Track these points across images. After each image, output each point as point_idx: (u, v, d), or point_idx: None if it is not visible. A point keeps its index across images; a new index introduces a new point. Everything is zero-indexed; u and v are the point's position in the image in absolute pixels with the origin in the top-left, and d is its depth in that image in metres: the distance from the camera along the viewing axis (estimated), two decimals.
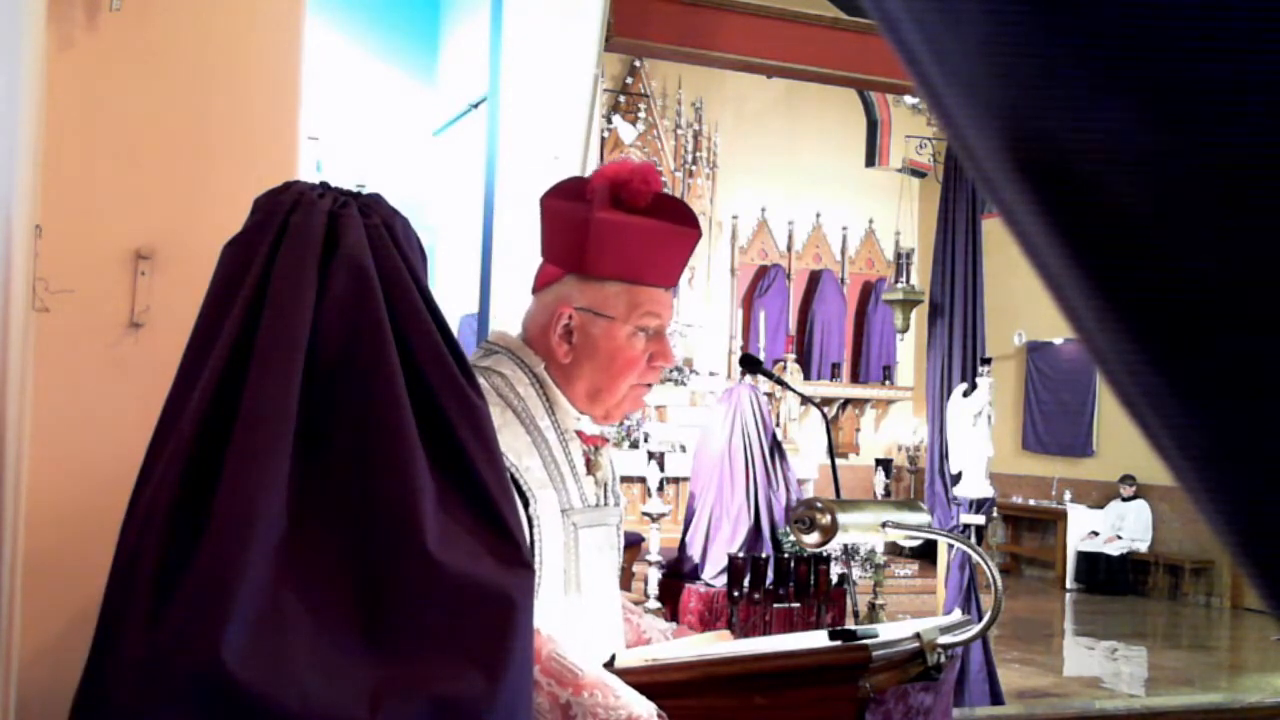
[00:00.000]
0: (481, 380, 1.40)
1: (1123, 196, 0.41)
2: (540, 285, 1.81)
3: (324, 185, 1.21)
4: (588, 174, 1.78)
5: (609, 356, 1.74)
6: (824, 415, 2.92)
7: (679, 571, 5.25)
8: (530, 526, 1.64)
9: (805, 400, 5.61)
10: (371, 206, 1.20)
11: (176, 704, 0.99)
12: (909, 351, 13.20)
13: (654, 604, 4.63)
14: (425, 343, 1.16)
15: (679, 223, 1.75)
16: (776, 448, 5.50)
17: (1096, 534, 11.90)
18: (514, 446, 1.65)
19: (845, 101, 12.78)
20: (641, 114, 12.21)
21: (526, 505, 1.64)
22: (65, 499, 2.02)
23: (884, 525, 1.79)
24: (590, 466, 1.79)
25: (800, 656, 1.54)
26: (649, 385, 1.81)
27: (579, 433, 1.79)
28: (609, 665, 1.61)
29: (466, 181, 5.72)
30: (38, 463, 1.94)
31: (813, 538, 1.74)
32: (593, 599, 1.75)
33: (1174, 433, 0.44)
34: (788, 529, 5.07)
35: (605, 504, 1.82)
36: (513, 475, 1.60)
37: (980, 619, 1.75)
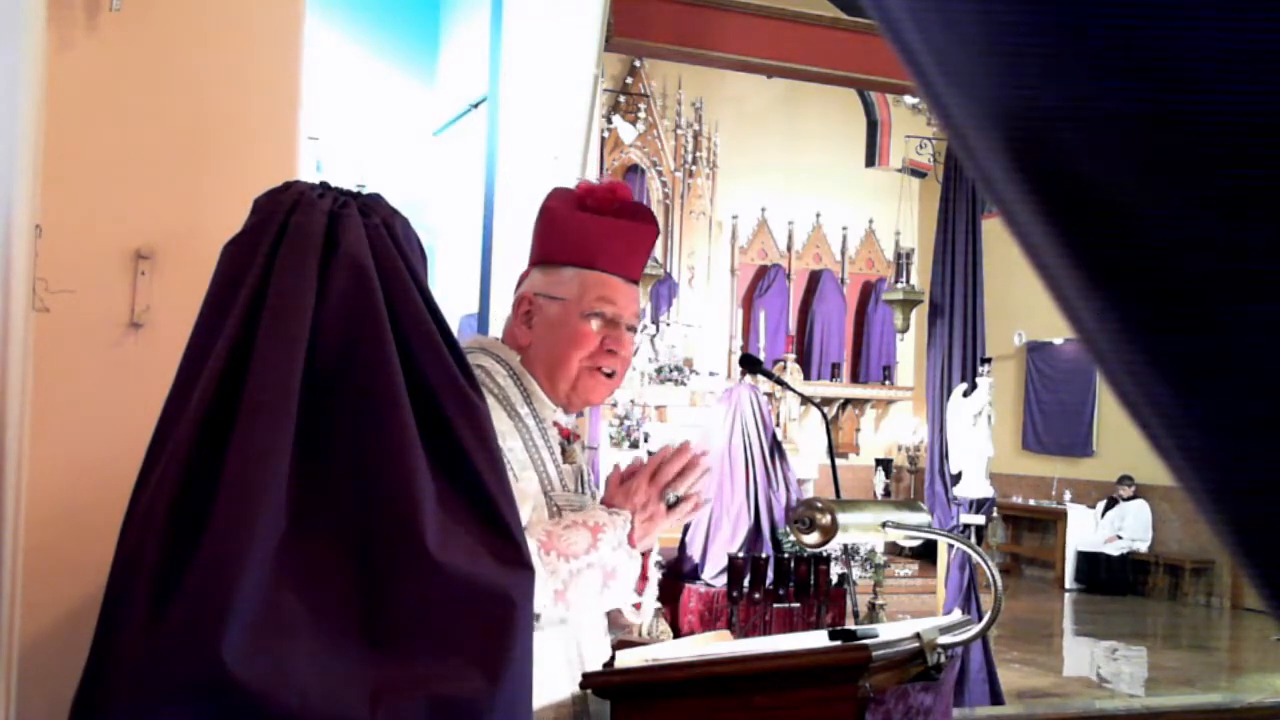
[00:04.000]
0: None
1: (1123, 195, 0.41)
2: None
3: (324, 185, 1.20)
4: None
5: (557, 331, 1.82)
6: (824, 415, 2.92)
7: (679, 571, 5.25)
8: None
9: (805, 400, 5.61)
10: (371, 206, 1.20)
11: (176, 704, 0.99)
12: (909, 351, 13.20)
13: (654, 604, 4.62)
14: (425, 343, 1.16)
15: (634, 219, 1.87)
16: (776, 448, 5.50)
17: (1104, 518, 11.86)
18: (498, 428, 1.68)
19: (845, 101, 12.77)
20: (641, 114, 12.21)
21: None
22: (65, 499, 2.02)
23: (884, 525, 1.79)
24: (566, 456, 1.86)
25: (800, 656, 1.54)
26: (608, 374, 1.85)
27: (556, 423, 1.87)
28: (609, 665, 1.62)
29: (466, 181, 5.72)
30: (38, 462, 1.94)
31: (813, 538, 1.74)
32: None
33: (1174, 433, 0.44)
34: (788, 529, 5.07)
35: (583, 493, 1.89)
36: None
37: (980, 619, 1.75)
